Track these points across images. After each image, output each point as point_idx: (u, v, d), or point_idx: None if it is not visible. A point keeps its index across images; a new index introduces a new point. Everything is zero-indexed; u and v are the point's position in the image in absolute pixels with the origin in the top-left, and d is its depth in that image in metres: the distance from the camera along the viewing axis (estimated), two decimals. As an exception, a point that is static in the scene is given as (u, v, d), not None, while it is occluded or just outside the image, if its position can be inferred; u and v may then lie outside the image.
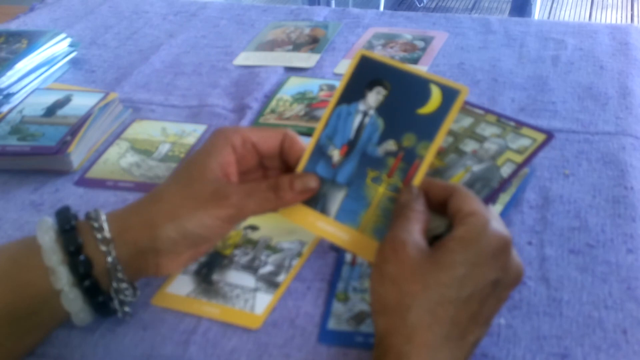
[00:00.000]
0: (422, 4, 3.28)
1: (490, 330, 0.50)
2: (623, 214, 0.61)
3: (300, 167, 0.48)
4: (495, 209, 0.61)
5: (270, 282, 0.55)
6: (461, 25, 1.01)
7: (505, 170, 0.46)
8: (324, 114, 0.48)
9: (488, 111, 0.50)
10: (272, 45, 0.98)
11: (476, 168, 0.47)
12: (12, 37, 0.93)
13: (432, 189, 0.44)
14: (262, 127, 0.48)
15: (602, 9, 3.30)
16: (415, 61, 0.90)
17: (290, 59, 0.93)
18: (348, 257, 0.57)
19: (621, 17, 3.19)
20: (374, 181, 0.46)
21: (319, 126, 0.48)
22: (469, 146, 0.48)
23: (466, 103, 0.49)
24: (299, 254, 0.58)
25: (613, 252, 0.57)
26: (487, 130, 0.49)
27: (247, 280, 0.55)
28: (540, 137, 0.47)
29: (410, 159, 0.45)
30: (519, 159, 0.46)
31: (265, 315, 0.52)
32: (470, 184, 0.46)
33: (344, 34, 1.01)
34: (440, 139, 0.45)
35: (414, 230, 0.42)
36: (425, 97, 0.46)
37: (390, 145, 0.46)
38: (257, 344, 0.50)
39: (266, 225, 0.60)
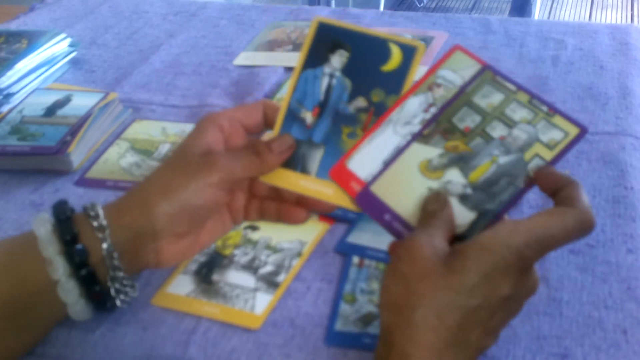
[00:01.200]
0: (422, 4, 3.28)
1: (490, 330, 0.50)
2: (623, 214, 0.61)
3: (275, 133, 0.49)
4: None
5: (270, 282, 0.55)
6: (461, 25, 1.01)
7: (533, 167, 0.43)
8: (291, 80, 0.50)
9: (520, 87, 0.46)
10: (272, 45, 0.98)
11: (503, 160, 0.44)
12: (12, 37, 0.93)
13: (543, 178, 0.43)
14: (244, 104, 0.50)
15: (602, 9, 3.30)
16: (415, 61, 0.90)
17: (290, 59, 0.93)
18: (355, 259, 0.57)
19: (621, 17, 3.19)
20: (349, 136, 0.48)
21: (287, 92, 0.49)
22: (497, 131, 0.45)
23: (497, 74, 0.47)
24: (299, 254, 0.58)
25: (613, 252, 0.57)
26: (518, 112, 0.45)
27: (247, 280, 0.55)
28: (573, 130, 0.44)
29: (381, 112, 0.47)
30: (548, 155, 0.43)
31: (265, 315, 0.52)
32: (494, 180, 0.43)
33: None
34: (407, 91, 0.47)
35: (435, 235, 0.41)
36: (386, 55, 0.48)
37: (361, 101, 0.48)
38: (257, 344, 0.50)
39: (266, 225, 0.60)
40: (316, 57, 0.49)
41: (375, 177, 0.46)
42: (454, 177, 0.44)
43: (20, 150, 0.70)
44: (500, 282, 0.39)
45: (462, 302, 0.38)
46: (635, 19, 3.17)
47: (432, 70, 0.48)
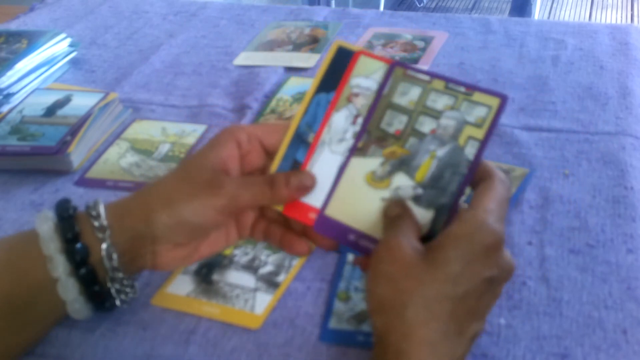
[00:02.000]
0: (422, 4, 3.28)
1: (490, 330, 0.50)
2: (623, 214, 0.61)
3: (280, 154, 0.47)
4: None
5: (270, 282, 0.55)
6: (461, 25, 1.01)
7: (470, 151, 0.43)
8: (303, 101, 0.48)
9: (434, 76, 0.45)
10: (272, 45, 0.98)
11: (440, 152, 0.44)
12: (12, 37, 0.93)
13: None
14: (267, 122, 0.47)
15: (602, 9, 3.30)
16: (415, 61, 0.90)
17: (290, 59, 0.93)
18: (350, 257, 0.57)
19: (621, 17, 3.19)
20: None
21: (297, 114, 0.48)
22: (426, 125, 0.45)
23: (407, 68, 0.46)
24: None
25: (613, 252, 0.57)
26: (439, 101, 0.45)
27: (247, 280, 0.55)
28: (494, 102, 0.44)
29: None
30: (479, 134, 0.43)
31: (265, 315, 0.52)
32: (439, 174, 0.44)
33: (344, 34, 1.01)
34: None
35: (409, 235, 0.42)
36: None
37: None
38: (257, 344, 0.50)
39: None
40: (331, 81, 0.48)
41: (326, 201, 0.45)
42: (402, 182, 0.44)
43: (20, 150, 0.70)
44: (481, 265, 0.40)
45: (450, 291, 0.39)
46: (635, 19, 3.17)
47: (344, 82, 0.47)
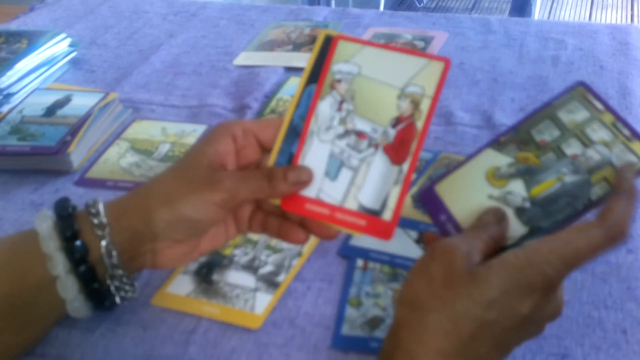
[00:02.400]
0: (422, 4, 3.28)
1: (490, 330, 0.50)
2: (623, 214, 0.61)
3: (276, 148, 0.47)
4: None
5: (270, 282, 0.55)
6: (461, 25, 1.01)
7: (596, 192, 0.42)
8: (295, 94, 0.48)
9: (608, 108, 0.44)
10: (272, 45, 0.98)
11: (569, 179, 0.43)
12: (12, 37, 0.93)
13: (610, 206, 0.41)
14: (263, 118, 0.47)
15: (602, 9, 3.30)
16: (415, 61, 0.90)
17: (290, 59, 0.93)
18: (360, 262, 0.57)
19: (621, 17, 3.19)
20: None
21: (290, 107, 0.48)
22: (572, 148, 0.44)
23: (589, 91, 0.45)
24: (299, 254, 0.58)
25: (613, 252, 0.57)
26: (598, 133, 0.44)
27: (247, 280, 0.55)
28: None
29: None
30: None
31: (265, 315, 0.52)
32: (555, 198, 0.42)
33: (344, 34, 1.01)
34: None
35: (475, 246, 0.41)
36: None
37: None
38: (257, 344, 0.50)
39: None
40: (321, 71, 0.47)
41: (441, 177, 0.45)
42: (516, 189, 0.43)
43: (20, 150, 0.70)
44: (519, 300, 0.39)
45: (479, 314, 0.38)
46: (635, 19, 3.17)
47: (325, 69, 0.47)
